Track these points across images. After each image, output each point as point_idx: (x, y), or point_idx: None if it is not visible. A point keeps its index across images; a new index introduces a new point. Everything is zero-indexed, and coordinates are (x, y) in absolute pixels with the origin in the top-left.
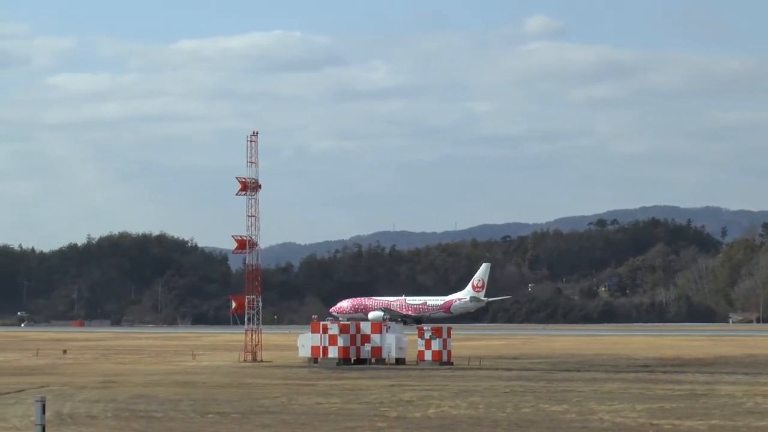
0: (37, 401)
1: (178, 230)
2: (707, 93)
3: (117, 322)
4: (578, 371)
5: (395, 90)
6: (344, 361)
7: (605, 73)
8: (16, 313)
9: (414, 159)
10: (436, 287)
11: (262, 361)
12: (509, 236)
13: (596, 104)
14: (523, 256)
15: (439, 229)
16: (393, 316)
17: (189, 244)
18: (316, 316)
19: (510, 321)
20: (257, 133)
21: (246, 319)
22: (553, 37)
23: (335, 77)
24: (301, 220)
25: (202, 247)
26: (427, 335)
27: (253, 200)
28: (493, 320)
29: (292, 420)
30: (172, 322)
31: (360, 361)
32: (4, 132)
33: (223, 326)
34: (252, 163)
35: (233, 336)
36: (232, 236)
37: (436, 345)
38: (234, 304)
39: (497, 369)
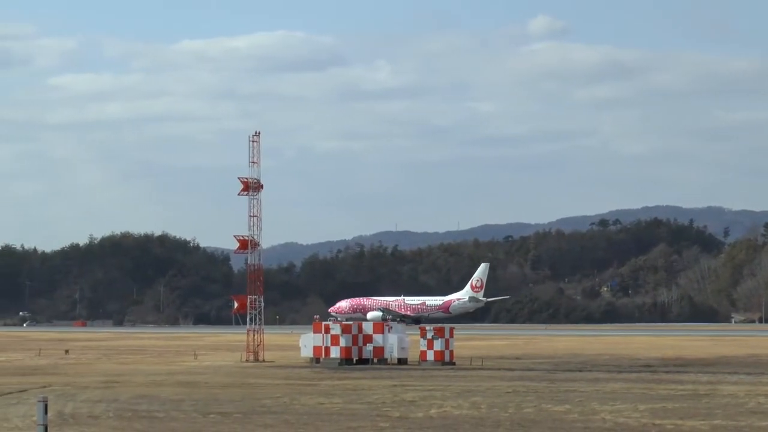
0: (39, 401)
1: (180, 230)
2: (711, 93)
3: (119, 322)
4: (580, 371)
5: (399, 90)
6: (346, 361)
7: (609, 73)
8: (19, 313)
9: (417, 159)
10: (439, 287)
11: (264, 361)
12: (511, 236)
13: (600, 104)
14: (525, 256)
15: (442, 229)
16: (392, 317)
17: (191, 244)
18: (318, 316)
19: (512, 321)
20: (259, 133)
21: (248, 319)
22: (557, 37)
23: (339, 77)
24: (304, 220)
25: (204, 247)
26: (429, 335)
27: (255, 200)
28: (496, 320)
29: (294, 420)
30: (174, 322)
31: (362, 361)
32: (8, 132)
33: (225, 326)
34: (254, 163)
35: (235, 336)
36: (234, 236)
37: (438, 345)
38: (236, 304)
39: (499, 369)
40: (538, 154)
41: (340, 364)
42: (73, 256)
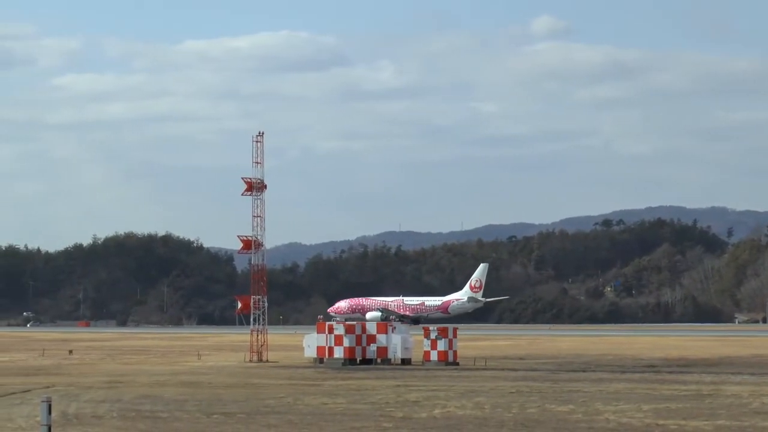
0: (42, 401)
1: (183, 230)
2: (713, 93)
3: (122, 323)
4: (584, 371)
5: (401, 90)
6: (350, 361)
7: (611, 73)
8: (22, 313)
9: (420, 159)
10: (442, 287)
11: (267, 361)
12: (515, 236)
13: (602, 104)
14: (528, 256)
15: (445, 230)
16: (391, 317)
17: (194, 245)
18: (321, 317)
19: (516, 321)
20: (263, 133)
21: (251, 320)
22: (559, 37)
23: (341, 77)
24: (307, 221)
25: (207, 248)
26: (432, 335)
27: (258, 200)
28: (500, 320)
29: (298, 420)
30: (177, 322)
31: (366, 362)
32: (10, 132)
33: (228, 326)
34: (257, 163)
35: (239, 336)
36: (238, 236)
37: (441, 345)
38: (240, 305)
39: (503, 369)
40: (541, 154)
41: (343, 364)
42: (77, 257)
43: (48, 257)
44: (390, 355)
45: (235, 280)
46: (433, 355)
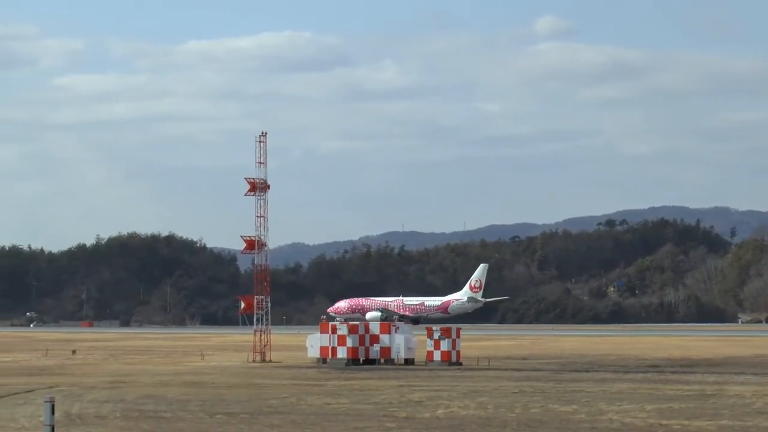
0: (46, 401)
1: (186, 231)
2: (715, 93)
3: (126, 323)
4: (587, 372)
5: (404, 90)
6: (353, 361)
7: (613, 73)
8: (26, 313)
9: (423, 159)
10: (445, 287)
11: (270, 361)
12: (518, 236)
13: (604, 104)
14: (531, 256)
15: (448, 230)
16: (390, 317)
17: (198, 245)
18: (324, 317)
19: (519, 321)
20: (266, 133)
21: (255, 320)
22: (562, 37)
23: (344, 77)
24: (310, 221)
25: (210, 248)
26: (436, 336)
27: (261, 201)
28: (502, 321)
29: (301, 420)
30: (180, 322)
31: (369, 362)
32: (13, 133)
33: (231, 326)
34: (261, 163)
35: (242, 336)
36: (241, 237)
37: (445, 345)
38: (243, 305)
39: (506, 369)
40: (544, 154)
41: (346, 364)
42: (80, 257)
43: (51, 257)
44: (393, 356)
45: (238, 281)
46: (437, 355)
